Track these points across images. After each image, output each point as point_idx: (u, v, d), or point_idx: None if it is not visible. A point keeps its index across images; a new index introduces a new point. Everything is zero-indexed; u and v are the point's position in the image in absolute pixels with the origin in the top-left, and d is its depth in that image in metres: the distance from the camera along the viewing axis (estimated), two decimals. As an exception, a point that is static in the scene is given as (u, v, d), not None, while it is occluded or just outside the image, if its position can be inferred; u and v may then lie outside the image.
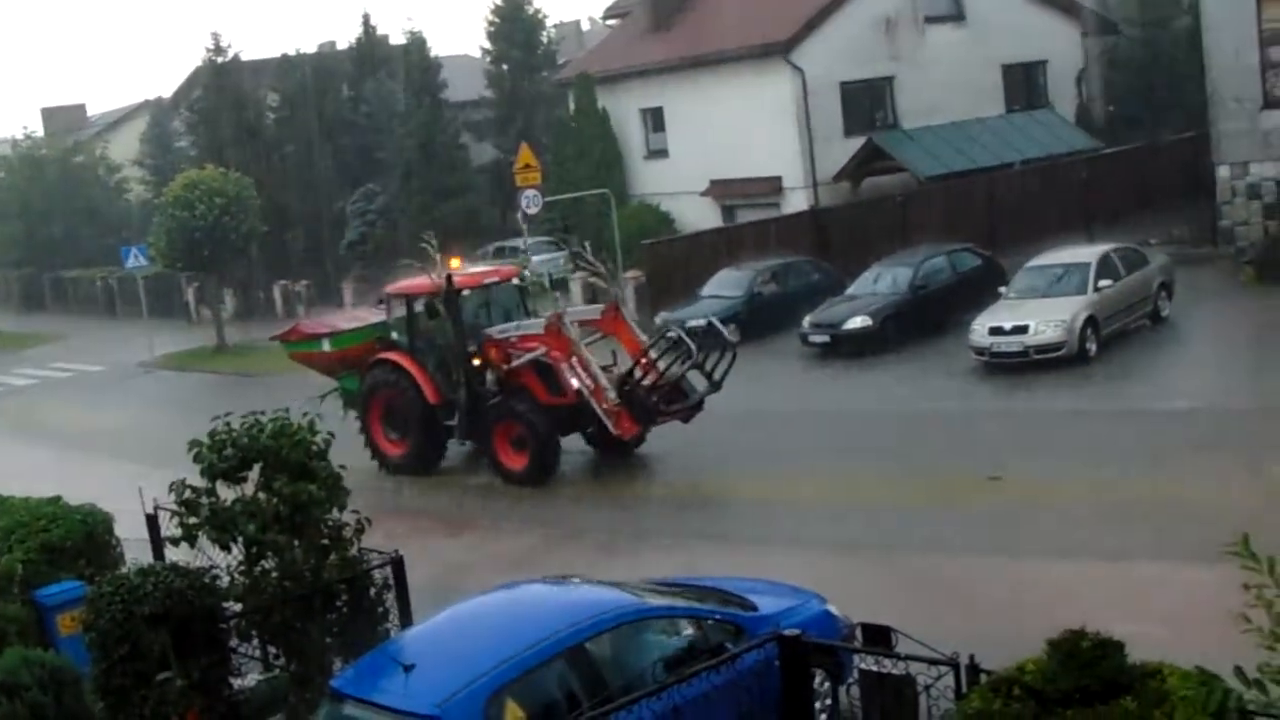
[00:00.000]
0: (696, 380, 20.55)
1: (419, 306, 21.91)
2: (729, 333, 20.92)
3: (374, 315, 23.96)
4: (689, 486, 20.05)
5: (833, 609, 10.94)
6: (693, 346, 20.14)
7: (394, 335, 22.45)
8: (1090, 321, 23.42)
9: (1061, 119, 39.16)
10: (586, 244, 21.59)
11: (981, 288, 26.36)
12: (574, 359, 20.20)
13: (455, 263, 21.97)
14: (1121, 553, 14.42)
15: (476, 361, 21.03)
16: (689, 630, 10.02)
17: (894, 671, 8.70)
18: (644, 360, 20.10)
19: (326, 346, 23.10)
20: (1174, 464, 17.05)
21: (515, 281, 22.87)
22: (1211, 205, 29.58)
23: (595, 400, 19.95)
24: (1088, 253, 25.13)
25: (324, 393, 22.66)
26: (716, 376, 20.12)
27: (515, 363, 20.82)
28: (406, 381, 21.70)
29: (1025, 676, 7.13)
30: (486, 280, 22.60)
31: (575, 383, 20.08)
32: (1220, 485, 15.81)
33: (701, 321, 23.28)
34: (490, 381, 20.99)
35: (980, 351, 23.84)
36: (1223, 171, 28.97)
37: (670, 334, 20.66)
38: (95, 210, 58.81)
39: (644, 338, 20.85)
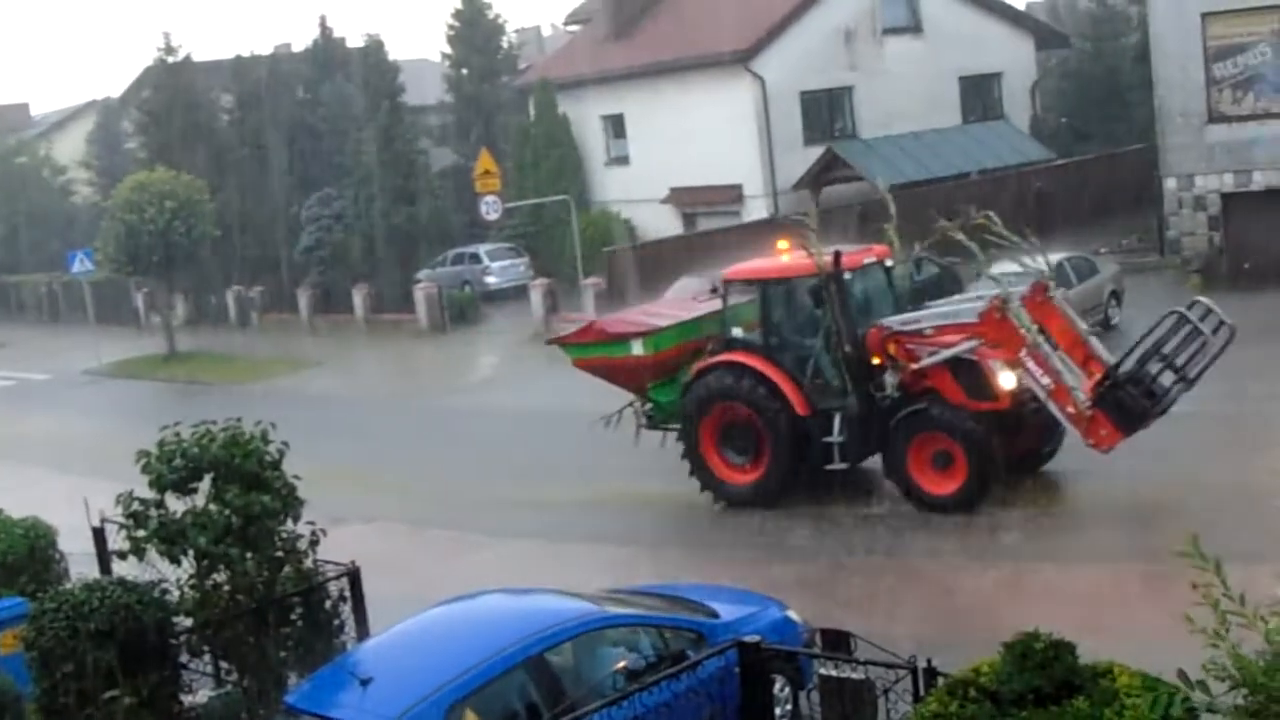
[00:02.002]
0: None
1: (780, 294, 17.72)
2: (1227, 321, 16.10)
3: (684, 309, 19.55)
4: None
5: (793, 615, 10.98)
6: (1207, 332, 15.88)
7: (735, 332, 18.02)
8: (1043, 329, 23.71)
9: (1016, 130, 39.55)
10: (991, 214, 17.32)
11: (938, 295, 26.46)
12: (1025, 353, 16.03)
13: (784, 244, 17.95)
14: (1075, 554, 14.61)
15: (876, 360, 16.89)
16: (650, 638, 9.96)
17: (853, 676, 8.77)
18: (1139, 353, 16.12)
19: (639, 349, 18.35)
20: (1125, 468, 17.14)
21: (887, 263, 18.39)
22: (1159, 216, 30.02)
23: (1056, 404, 15.92)
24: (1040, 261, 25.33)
25: (621, 408, 19.14)
26: (1193, 373, 16.00)
27: (926, 360, 16.59)
28: (762, 390, 17.28)
29: (981, 678, 7.20)
30: (866, 260, 18.00)
31: (1011, 382, 16.17)
32: (1170, 488, 16.05)
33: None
34: (891, 385, 16.77)
35: (938, 359, 23.99)
36: (1170, 184, 29.45)
37: (1173, 318, 16.02)
38: (40, 213, 57.93)
39: (1083, 325, 17.02)
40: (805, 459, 17.33)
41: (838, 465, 17.26)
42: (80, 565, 13.06)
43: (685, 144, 36.66)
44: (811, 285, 17.18)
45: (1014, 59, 39.94)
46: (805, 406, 17.13)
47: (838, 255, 16.98)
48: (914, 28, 38.32)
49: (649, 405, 18.86)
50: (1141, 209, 32.05)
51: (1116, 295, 25.98)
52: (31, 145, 62.15)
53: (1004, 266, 25.22)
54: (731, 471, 17.89)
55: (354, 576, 11.58)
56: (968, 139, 38.12)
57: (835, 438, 17.04)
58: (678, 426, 18.35)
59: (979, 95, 39.73)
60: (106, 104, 60.81)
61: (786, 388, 17.19)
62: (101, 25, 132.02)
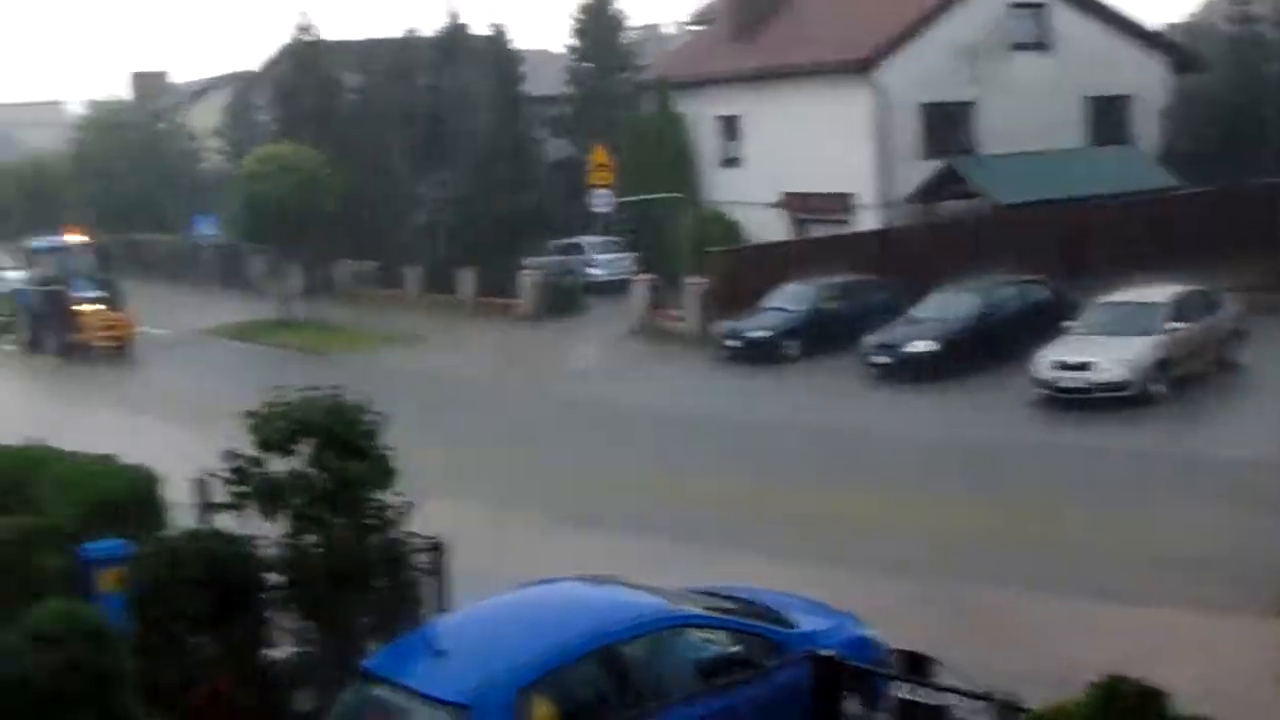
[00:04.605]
0: None
1: None
2: None
3: None
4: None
5: (871, 633, 10.79)
6: None
7: None
8: (1157, 363, 23.14)
9: (1143, 155, 38.63)
10: None
11: (1049, 320, 26.14)
12: None
13: None
14: (1171, 599, 14.18)
15: None
16: (725, 641, 9.92)
17: (929, 702, 8.57)
18: None
19: None
20: (1229, 514, 16.70)
21: None
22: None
23: None
24: (1160, 293, 24.77)
25: None
26: None
27: None
28: None
29: (1064, 718, 7.00)
30: None
31: None
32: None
33: None
34: None
35: (1043, 385, 23.61)
36: (1302, 220, 28.47)
37: None
38: (172, 177, 59.52)
39: None
40: None
41: None
42: (181, 514, 13.37)
43: (799, 149, 36.44)
44: None
45: (1146, 81, 38.97)
46: None
47: None
48: (1042, 45, 37.64)
49: None
50: (1272, 245, 31.04)
51: (1239, 333, 25.11)
52: (171, 112, 63.90)
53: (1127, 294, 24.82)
54: None
55: (439, 550, 11.74)
56: (1092, 162, 37.32)
57: None
58: None
59: (1106, 117, 38.84)
60: (243, 77, 62.13)
61: None
62: (245, 2, 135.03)
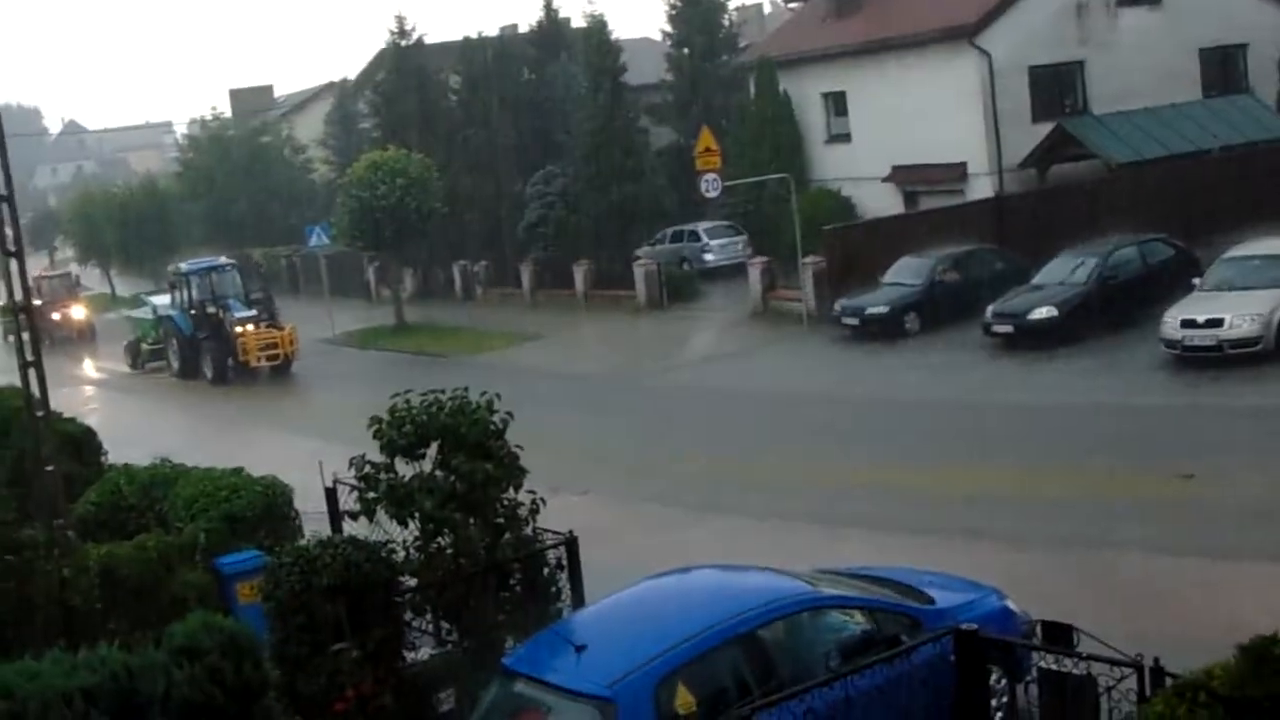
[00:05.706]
0: None
1: None
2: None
3: None
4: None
5: (1012, 605, 10.66)
6: None
7: None
8: (1290, 316, 22.42)
9: (1262, 104, 37.39)
10: None
11: (1174, 279, 25.52)
12: None
13: None
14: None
15: None
16: (864, 621, 9.84)
17: (1074, 672, 8.48)
18: None
19: None
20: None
21: None
22: None
23: None
24: None
25: None
26: None
27: None
28: None
29: (1212, 682, 6.85)
30: None
31: None
32: None
33: None
34: None
35: (1171, 345, 23.01)
36: None
37: None
38: (280, 189, 60.73)
39: None
40: None
41: None
42: (314, 523, 13.59)
43: (908, 121, 35.93)
44: None
45: (1261, 29, 37.68)
46: None
47: None
48: (1152, -2, 36.69)
49: None
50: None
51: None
52: (274, 125, 65.21)
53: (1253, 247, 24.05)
54: None
55: (571, 545, 11.76)
56: (1208, 114, 36.23)
57: None
58: None
59: (1221, 68, 37.67)
60: (343, 86, 63.19)
61: None
62: (341, 10, 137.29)
